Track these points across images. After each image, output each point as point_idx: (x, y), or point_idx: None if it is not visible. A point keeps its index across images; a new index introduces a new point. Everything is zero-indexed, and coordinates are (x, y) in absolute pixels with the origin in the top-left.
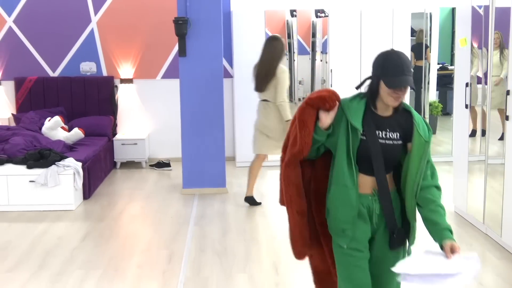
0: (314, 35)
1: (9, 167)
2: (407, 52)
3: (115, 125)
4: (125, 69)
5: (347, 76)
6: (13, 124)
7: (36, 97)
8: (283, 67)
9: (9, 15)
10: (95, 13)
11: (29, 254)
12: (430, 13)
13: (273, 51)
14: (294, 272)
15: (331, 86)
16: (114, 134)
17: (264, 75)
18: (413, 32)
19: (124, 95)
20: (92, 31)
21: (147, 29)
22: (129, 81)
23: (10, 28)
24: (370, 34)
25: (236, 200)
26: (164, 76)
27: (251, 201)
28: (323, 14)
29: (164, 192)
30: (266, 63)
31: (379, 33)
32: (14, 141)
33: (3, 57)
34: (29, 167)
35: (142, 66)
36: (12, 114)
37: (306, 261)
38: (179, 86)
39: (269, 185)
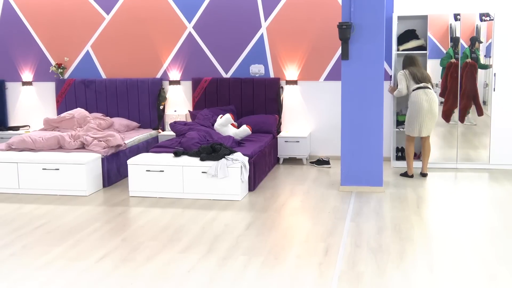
0: None
1: (184, 159)
2: None
3: (279, 124)
4: (291, 71)
5: (511, 80)
6: (189, 120)
7: (210, 96)
8: None
9: (189, 21)
10: (265, 19)
11: (199, 238)
12: None
13: (418, 59)
14: (449, 274)
15: (494, 90)
16: (279, 131)
17: (425, 72)
18: None
19: (289, 96)
20: (261, 36)
21: (312, 33)
22: (294, 82)
23: (189, 34)
24: None
25: (392, 199)
26: (326, 78)
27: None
28: (488, 18)
29: (322, 188)
30: (420, 66)
31: None
32: (190, 135)
33: (183, 59)
34: (202, 159)
35: (306, 69)
36: (189, 111)
37: (462, 263)
38: (341, 88)
39: (426, 187)
